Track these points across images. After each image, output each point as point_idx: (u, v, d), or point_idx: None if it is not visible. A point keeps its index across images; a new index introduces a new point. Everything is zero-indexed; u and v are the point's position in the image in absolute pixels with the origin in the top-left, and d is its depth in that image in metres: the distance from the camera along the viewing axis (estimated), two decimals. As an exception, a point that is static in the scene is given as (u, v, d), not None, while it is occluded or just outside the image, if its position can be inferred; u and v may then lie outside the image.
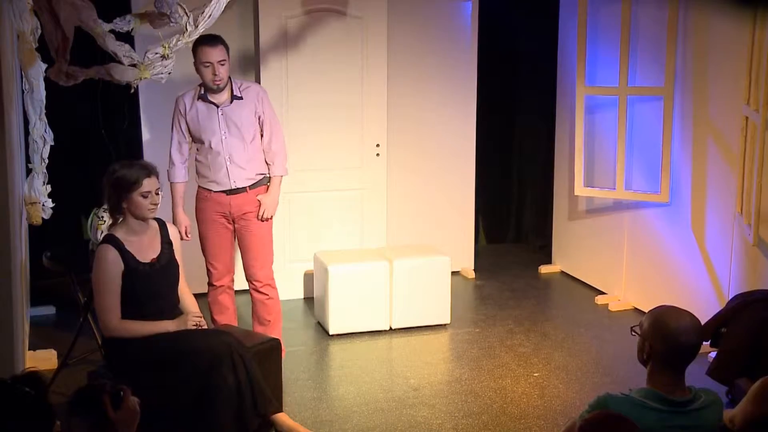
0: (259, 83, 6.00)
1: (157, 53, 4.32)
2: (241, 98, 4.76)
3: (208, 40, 4.59)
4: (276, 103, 6.00)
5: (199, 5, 4.31)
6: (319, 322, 5.79)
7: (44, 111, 4.21)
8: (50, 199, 4.36)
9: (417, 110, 6.55)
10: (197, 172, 4.88)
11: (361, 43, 6.13)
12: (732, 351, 4.28)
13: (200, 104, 4.75)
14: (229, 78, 4.75)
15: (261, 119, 4.84)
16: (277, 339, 4.49)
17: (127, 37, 4.48)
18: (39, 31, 4.12)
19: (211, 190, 4.82)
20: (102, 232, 4.98)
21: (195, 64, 4.69)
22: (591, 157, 6.32)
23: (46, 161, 4.32)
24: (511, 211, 7.75)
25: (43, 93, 4.18)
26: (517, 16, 7.22)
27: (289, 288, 6.27)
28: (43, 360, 4.94)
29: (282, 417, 4.12)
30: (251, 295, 5.00)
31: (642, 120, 5.90)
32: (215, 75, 4.62)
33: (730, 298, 4.76)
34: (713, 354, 4.58)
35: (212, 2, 4.27)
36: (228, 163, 4.76)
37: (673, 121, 5.58)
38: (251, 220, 4.86)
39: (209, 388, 3.76)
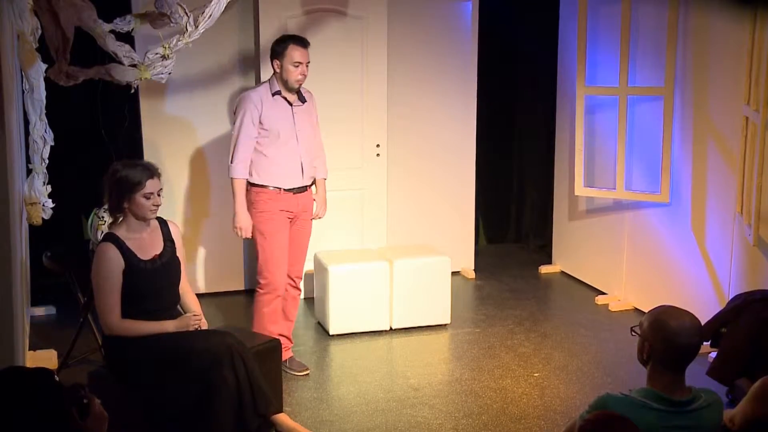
0: (259, 83, 6.02)
1: (157, 53, 4.32)
2: (305, 100, 4.90)
3: (300, 41, 4.76)
4: (276, 103, 6.02)
5: (200, 5, 4.31)
6: (319, 322, 5.79)
7: (44, 111, 4.21)
8: (50, 200, 4.36)
9: (417, 110, 6.55)
10: (258, 171, 4.81)
11: (361, 43, 6.13)
12: (732, 351, 4.28)
13: (275, 100, 4.79)
14: None
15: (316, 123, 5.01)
16: (278, 339, 4.49)
17: (127, 38, 4.48)
18: (39, 31, 4.11)
19: (280, 188, 4.81)
20: (102, 232, 4.99)
21: (279, 62, 4.74)
22: (591, 157, 6.32)
23: (47, 161, 4.31)
24: (511, 211, 7.75)
25: (44, 93, 4.18)
26: (517, 16, 7.22)
27: (289, 288, 6.28)
28: (43, 360, 4.94)
29: (282, 417, 4.12)
30: (287, 293, 4.99)
31: (642, 120, 5.90)
32: (303, 75, 4.74)
33: (730, 298, 4.76)
34: (713, 354, 4.58)
35: (212, 2, 4.27)
36: (302, 159, 4.84)
37: (673, 121, 5.58)
38: (306, 219, 4.97)
39: (209, 388, 3.76)
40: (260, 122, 4.77)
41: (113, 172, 3.91)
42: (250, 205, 4.83)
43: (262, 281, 4.87)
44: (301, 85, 4.80)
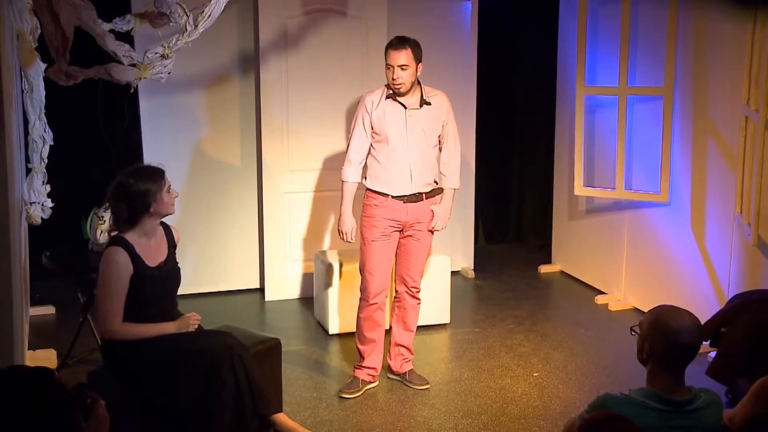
0: (259, 83, 6.02)
1: (156, 53, 4.32)
2: (429, 104, 4.67)
3: (394, 42, 4.55)
4: (275, 104, 6.02)
5: (199, 5, 4.31)
6: (319, 322, 5.79)
7: (44, 111, 4.21)
8: (50, 199, 4.36)
9: (417, 110, 6.55)
10: (371, 176, 4.71)
11: (361, 43, 6.13)
12: (732, 351, 4.28)
13: (388, 103, 4.62)
14: (419, 82, 4.65)
15: (444, 128, 4.75)
16: (277, 339, 4.47)
17: (126, 37, 4.48)
18: (39, 31, 4.11)
19: (388, 195, 4.66)
20: (102, 232, 4.99)
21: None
22: (591, 157, 6.32)
23: (46, 161, 4.32)
24: (510, 210, 7.75)
25: (43, 93, 4.18)
26: (517, 16, 7.21)
27: (289, 288, 6.28)
28: (43, 360, 4.94)
29: (282, 417, 4.12)
30: (402, 302, 4.87)
31: (642, 120, 5.90)
32: (394, 79, 4.52)
33: (730, 298, 4.76)
34: (713, 354, 4.59)
35: (212, 2, 4.27)
36: (412, 167, 4.64)
37: (672, 121, 5.58)
38: (421, 230, 4.76)
39: (209, 389, 3.76)
40: (372, 126, 4.65)
41: (126, 187, 3.82)
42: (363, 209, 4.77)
43: (361, 286, 4.81)
44: (399, 89, 4.55)
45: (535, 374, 5.05)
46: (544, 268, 7.00)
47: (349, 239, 4.76)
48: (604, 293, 6.35)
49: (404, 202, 4.68)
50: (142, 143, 6.01)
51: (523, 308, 6.15)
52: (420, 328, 5.65)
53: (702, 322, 2.87)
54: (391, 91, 4.62)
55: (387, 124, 4.62)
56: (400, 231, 4.74)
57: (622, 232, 6.19)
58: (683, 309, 2.79)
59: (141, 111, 5.98)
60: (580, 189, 6.27)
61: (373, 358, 4.84)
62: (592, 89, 6.12)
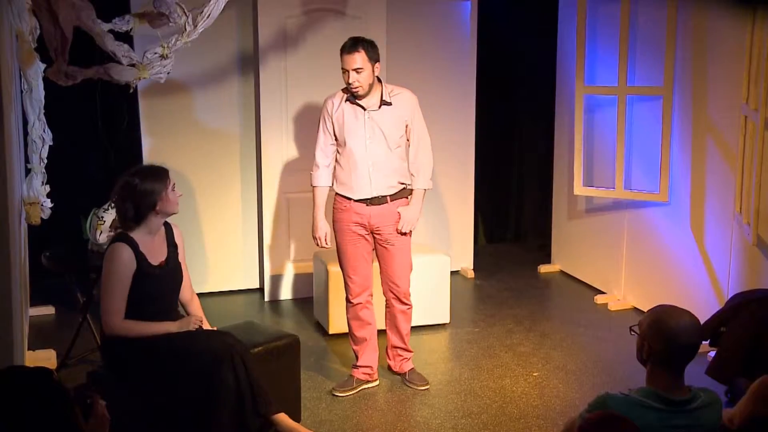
0: (258, 83, 6.02)
1: (156, 53, 4.32)
2: (390, 104, 4.57)
3: (347, 45, 4.48)
4: (275, 103, 6.02)
5: (198, 5, 4.31)
6: (318, 322, 5.79)
7: (43, 111, 4.21)
8: (49, 199, 4.36)
9: (416, 110, 6.55)
10: (336, 179, 4.69)
11: (361, 43, 6.12)
12: (731, 350, 4.27)
13: (347, 106, 4.59)
14: (380, 82, 4.59)
15: (408, 128, 4.65)
16: (296, 336, 4.44)
17: (126, 37, 4.48)
18: (38, 31, 4.12)
19: (351, 199, 4.63)
20: (101, 232, 4.99)
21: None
22: (590, 157, 6.32)
23: (45, 161, 4.31)
24: (510, 210, 7.76)
25: (42, 93, 4.17)
26: (516, 15, 7.21)
27: (288, 288, 6.28)
28: (43, 360, 4.94)
29: (282, 417, 4.11)
30: (390, 308, 4.83)
31: (641, 119, 5.90)
32: (350, 83, 4.47)
33: (730, 297, 4.76)
34: (712, 353, 4.58)
35: (211, 2, 4.27)
36: (370, 169, 4.58)
37: (672, 120, 5.58)
38: (391, 233, 4.67)
39: (209, 388, 3.76)
40: (333, 129, 4.62)
41: (132, 187, 3.86)
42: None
43: (345, 289, 4.81)
44: (357, 92, 4.50)
45: (535, 374, 5.05)
46: (543, 268, 7.00)
47: (324, 244, 4.73)
48: (603, 293, 6.35)
49: (367, 205, 4.63)
50: (142, 143, 6.01)
51: (523, 308, 6.15)
52: (419, 327, 5.67)
53: (701, 322, 2.87)
54: (349, 94, 4.58)
55: (346, 128, 4.58)
56: (370, 234, 4.69)
57: (621, 232, 6.19)
58: (683, 309, 2.80)
59: (140, 111, 5.98)
60: (579, 188, 6.27)
61: (368, 357, 4.83)
62: (592, 89, 6.12)
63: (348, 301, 4.80)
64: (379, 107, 4.57)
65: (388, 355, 4.96)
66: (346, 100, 4.60)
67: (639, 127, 5.92)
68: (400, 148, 4.66)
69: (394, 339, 4.90)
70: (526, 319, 5.93)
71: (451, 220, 6.80)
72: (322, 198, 4.72)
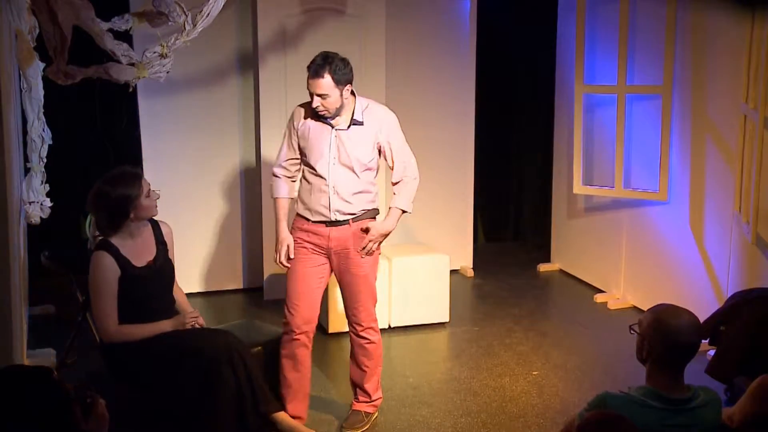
0: (258, 83, 6.01)
1: (155, 52, 4.32)
2: (361, 123, 4.12)
3: (311, 67, 4.00)
4: (275, 103, 6.01)
5: (198, 4, 4.31)
6: (318, 322, 5.78)
7: (42, 110, 4.21)
8: (48, 199, 4.36)
9: (415, 109, 6.54)
10: (298, 196, 4.27)
11: (360, 42, 6.12)
12: (731, 349, 4.28)
13: (313, 122, 4.13)
14: (354, 96, 4.13)
15: (382, 149, 4.19)
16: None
17: (125, 36, 4.48)
18: (37, 30, 4.12)
19: (308, 219, 4.18)
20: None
21: None
22: (590, 156, 6.33)
23: (45, 160, 4.31)
24: (509, 209, 7.76)
25: (42, 92, 4.18)
26: (515, 15, 7.21)
27: (288, 287, 6.28)
28: (43, 360, 4.93)
29: (282, 416, 4.12)
30: (351, 338, 4.36)
31: (640, 118, 5.90)
32: (315, 107, 4.02)
33: (729, 296, 4.76)
34: (712, 352, 4.59)
35: (210, 1, 4.27)
36: (331, 192, 4.12)
37: (671, 119, 5.58)
38: (351, 257, 4.18)
39: (209, 388, 3.76)
40: (298, 143, 4.20)
41: (104, 195, 3.80)
42: None
43: (283, 319, 4.27)
44: (324, 115, 4.05)
45: (534, 373, 5.05)
46: (543, 267, 7.00)
47: (282, 260, 4.20)
48: (603, 292, 6.35)
49: (326, 226, 4.17)
50: (141, 142, 6.00)
51: (522, 307, 6.15)
52: (419, 327, 5.68)
53: (701, 321, 2.88)
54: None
55: (310, 144, 4.13)
56: (327, 257, 4.22)
57: (620, 231, 6.20)
58: (682, 308, 2.80)
59: (140, 110, 5.97)
60: (579, 187, 6.27)
61: (295, 406, 4.26)
62: (591, 88, 6.12)
63: (286, 333, 4.23)
64: (348, 127, 4.12)
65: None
66: (313, 114, 4.11)
67: (638, 126, 5.92)
68: (369, 171, 4.19)
69: (352, 374, 4.42)
70: (526, 318, 5.94)
71: (451, 219, 6.80)
72: (283, 210, 4.26)
